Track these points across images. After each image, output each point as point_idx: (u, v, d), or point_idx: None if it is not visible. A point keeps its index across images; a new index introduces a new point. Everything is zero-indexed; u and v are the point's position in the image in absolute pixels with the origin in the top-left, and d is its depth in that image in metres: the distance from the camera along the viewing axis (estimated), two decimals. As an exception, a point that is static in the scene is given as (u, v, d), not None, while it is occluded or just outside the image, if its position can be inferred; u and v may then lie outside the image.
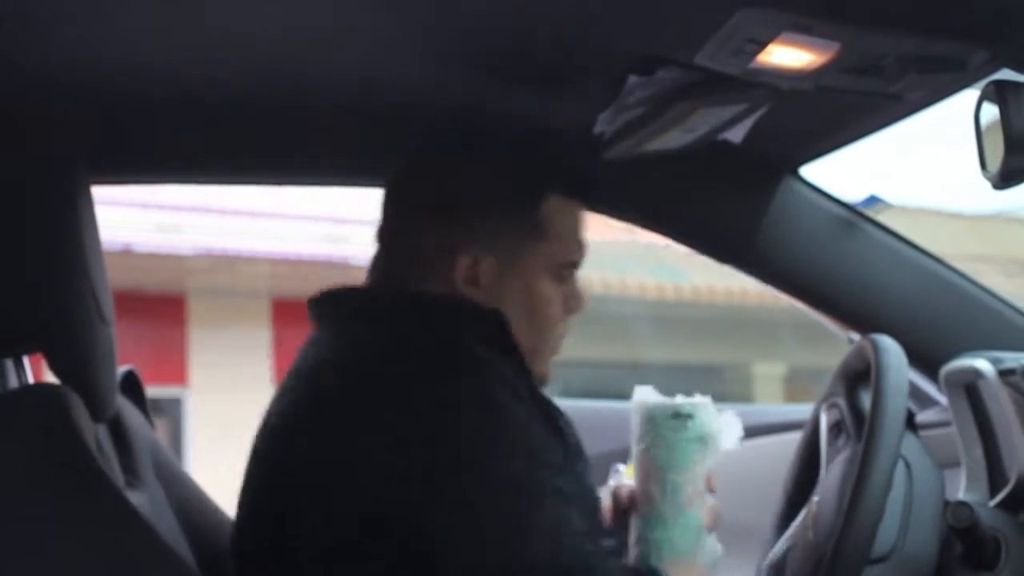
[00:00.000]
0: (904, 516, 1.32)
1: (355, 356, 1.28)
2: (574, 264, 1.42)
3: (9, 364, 1.37)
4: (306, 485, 1.22)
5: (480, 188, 1.37)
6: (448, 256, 1.34)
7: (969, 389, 1.56)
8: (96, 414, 1.27)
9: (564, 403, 1.38)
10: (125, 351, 1.36)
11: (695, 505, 1.32)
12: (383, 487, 1.17)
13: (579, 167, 1.43)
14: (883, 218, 1.79)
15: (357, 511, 1.18)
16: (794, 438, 1.68)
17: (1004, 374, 1.48)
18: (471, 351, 1.25)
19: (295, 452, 1.25)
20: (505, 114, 1.51)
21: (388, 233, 1.40)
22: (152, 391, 1.62)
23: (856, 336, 1.79)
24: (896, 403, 1.27)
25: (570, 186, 1.40)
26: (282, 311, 7.99)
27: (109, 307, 1.34)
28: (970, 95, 1.24)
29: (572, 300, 1.42)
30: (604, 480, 1.45)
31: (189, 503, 1.48)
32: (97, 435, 1.28)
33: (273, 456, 1.28)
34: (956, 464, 1.54)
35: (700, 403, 1.35)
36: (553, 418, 1.31)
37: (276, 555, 1.23)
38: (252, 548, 1.28)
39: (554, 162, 1.42)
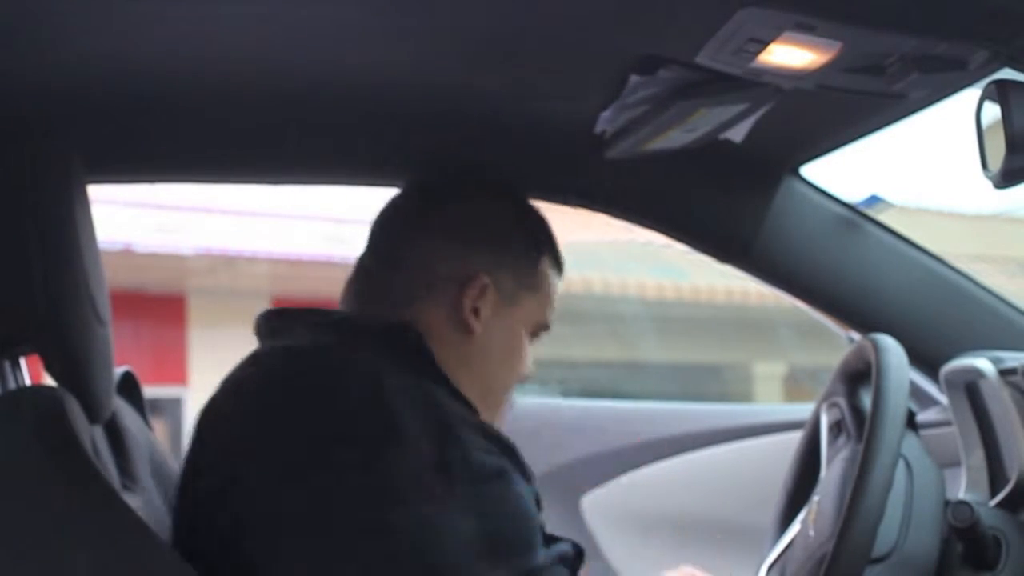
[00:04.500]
0: (905, 516, 1.32)
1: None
2: (546, 328, 1.44)
3: (6, 366, 1.36)
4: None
5: (502, 223, 1.40)
6: (459, 281, 1.34)
7: (970, 388, 1.56)
8: (92, 416, 1.26)
9: (563, 404, 1.38)
10: (125, 351, 1.36)
11: None
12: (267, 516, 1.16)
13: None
14: (884, 218, 1.79)
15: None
16: (794, 438, 1.68)
17: (1005, 374, 1.48)
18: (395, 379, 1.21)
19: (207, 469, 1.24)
20: (506, 113, 1.51)
21: (382, 251, 1.40)
22: (152, 391, 1.62)
23: (856, 335, 1.79)
24: (897, 403, 1.27)
25: (558, 255, 1.45)
26: (282, 311, 7.99)
27: (106, 308, 1.33)
28: (971, 94, 1.24)
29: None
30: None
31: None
32: (93, 437, 1.28)
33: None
34: (956, 464, 1.54)
35: None
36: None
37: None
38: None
39: (548, 230, 1.46)
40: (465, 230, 1.38)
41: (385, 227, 1.42)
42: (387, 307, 1.35)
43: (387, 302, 1.35)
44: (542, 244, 1.43)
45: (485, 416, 1.32)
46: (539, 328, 1.42)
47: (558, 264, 1.45)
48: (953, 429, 1.57)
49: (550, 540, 1.26)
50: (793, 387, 8.66)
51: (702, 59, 1.24)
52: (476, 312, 1.34)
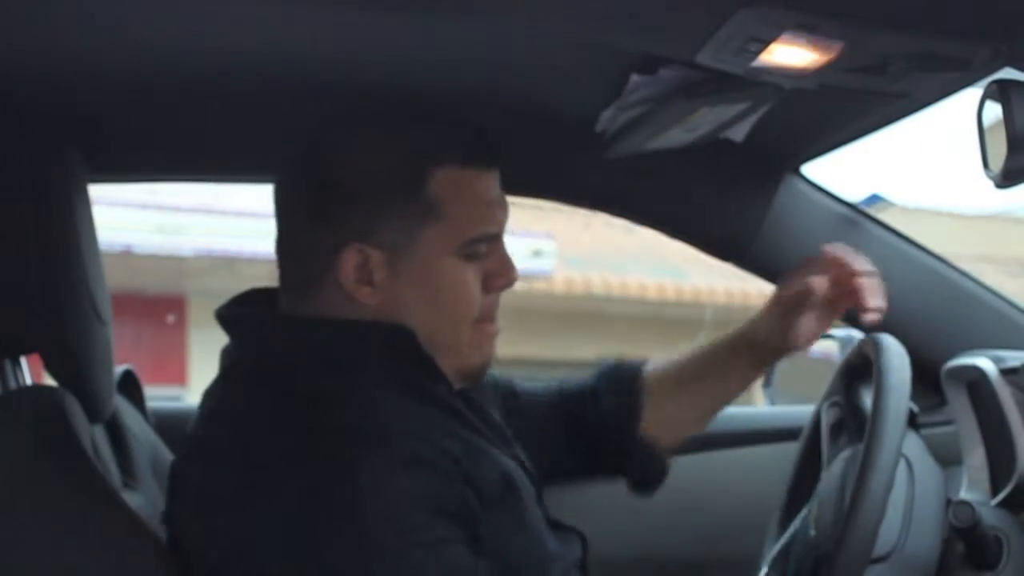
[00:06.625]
0: (906, 515, 1.31)
1: (235, 403, 1.22)
2: (486, 237, 1.25)
3: (7, 365, 1.37)
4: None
5: (354, 173, 1.22)
6: (333, 258, 1.21)
7: (971, 388, 1.56)
8: (93, 415, 1.26)
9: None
10: (125, 352, 1.36)
11: None
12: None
13: (470, 130, 1.27)
14: (885, 217, 1.79)
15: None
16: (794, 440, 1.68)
17: (1006, 373, 1.48)
18: (358, 395, 1.16)
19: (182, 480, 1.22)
20: (506, 113, 1.51)
21: (277, 241, 1.28)
22: (152, 391, 1.62)
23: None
24: (898, 402, 1.27)
25: (464, 154, 1.24)
26: (282, 312, 7.98)
27: (106, 307, 1.33)
28: (973, 94, 1.24)
29: (495, 276, 1.26)
30: None
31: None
32: (94, 436, 1.28)
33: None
34: (957, 463, 1.53)
35: None
36: (468, 424, 1.20)
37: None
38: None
39: (439, 132, 1.26)
40: (315, 196, 1.23)
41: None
42: (289, 299, 1.27)
43: (289, 294, 1.27)
44: (427, 160, 1.22)
45: (463, 363, 1.26)
46: (473, 243, 1.24)
47: (467, 159, 1.24)
48: (954, 428, 1.57)
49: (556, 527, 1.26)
50: (793, 387, 8.64)
51: (703, 59, 1.24)
52: (368, 281, 1.21)
